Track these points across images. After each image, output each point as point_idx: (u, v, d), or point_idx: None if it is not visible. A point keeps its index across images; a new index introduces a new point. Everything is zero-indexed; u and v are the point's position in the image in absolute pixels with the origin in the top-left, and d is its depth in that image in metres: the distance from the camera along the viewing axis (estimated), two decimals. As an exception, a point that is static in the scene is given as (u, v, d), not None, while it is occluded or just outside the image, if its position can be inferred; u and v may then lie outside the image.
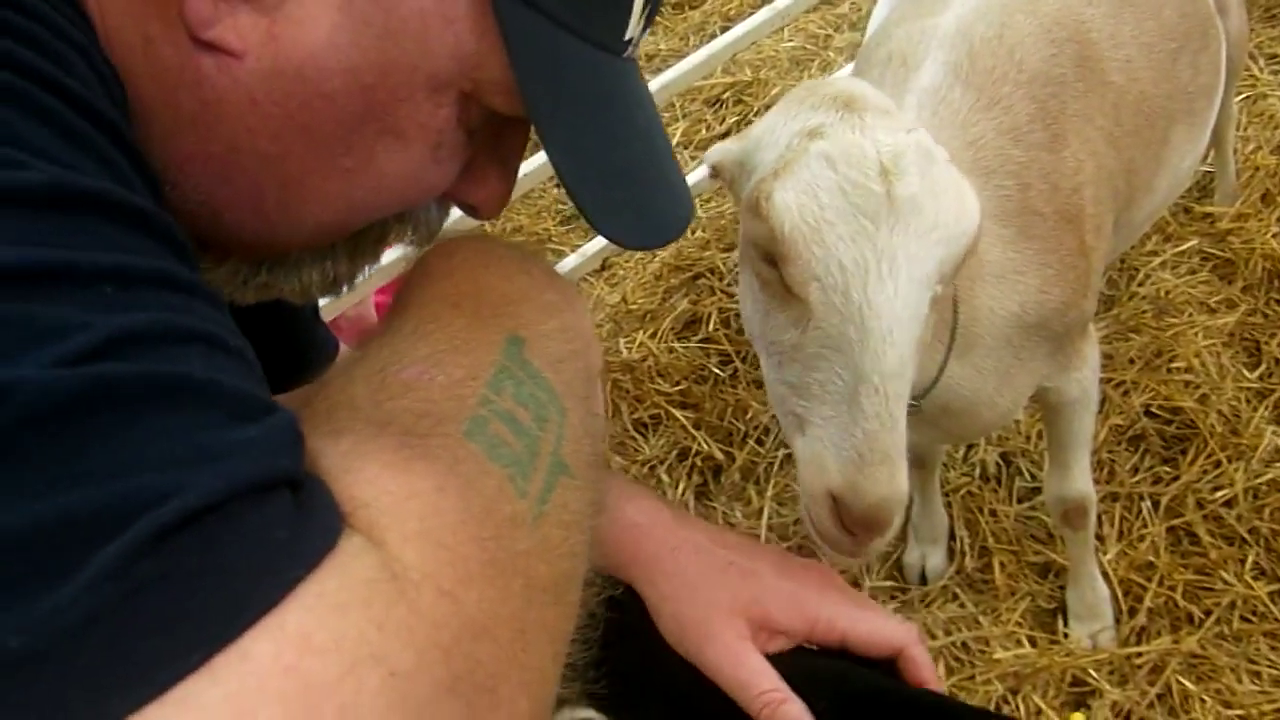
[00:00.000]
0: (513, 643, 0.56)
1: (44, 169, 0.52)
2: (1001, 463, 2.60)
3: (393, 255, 2.01)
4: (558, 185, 3.40)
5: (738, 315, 2.95)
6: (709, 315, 2.91)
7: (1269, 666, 2.18)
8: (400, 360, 0.66)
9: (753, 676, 0.96)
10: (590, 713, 0.94)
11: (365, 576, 0.50)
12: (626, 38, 0.78)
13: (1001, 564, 2.41)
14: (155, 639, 0.44)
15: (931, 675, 1.01)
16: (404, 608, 0.50)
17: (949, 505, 2.51)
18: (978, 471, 2.59)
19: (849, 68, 3.00)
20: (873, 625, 1.01)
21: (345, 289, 0.88)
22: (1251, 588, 2.26)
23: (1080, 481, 2.08)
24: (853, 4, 3.73)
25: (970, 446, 2.64)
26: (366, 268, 0.86)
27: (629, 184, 0.79)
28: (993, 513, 2.51)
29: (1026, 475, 2.56)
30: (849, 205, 1.14)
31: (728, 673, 0.97)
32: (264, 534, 0.48)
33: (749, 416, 2.71)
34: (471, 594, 0.54)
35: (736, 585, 1.00)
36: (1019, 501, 2.53)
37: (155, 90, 0.67)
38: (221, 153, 0.71)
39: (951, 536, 2.48)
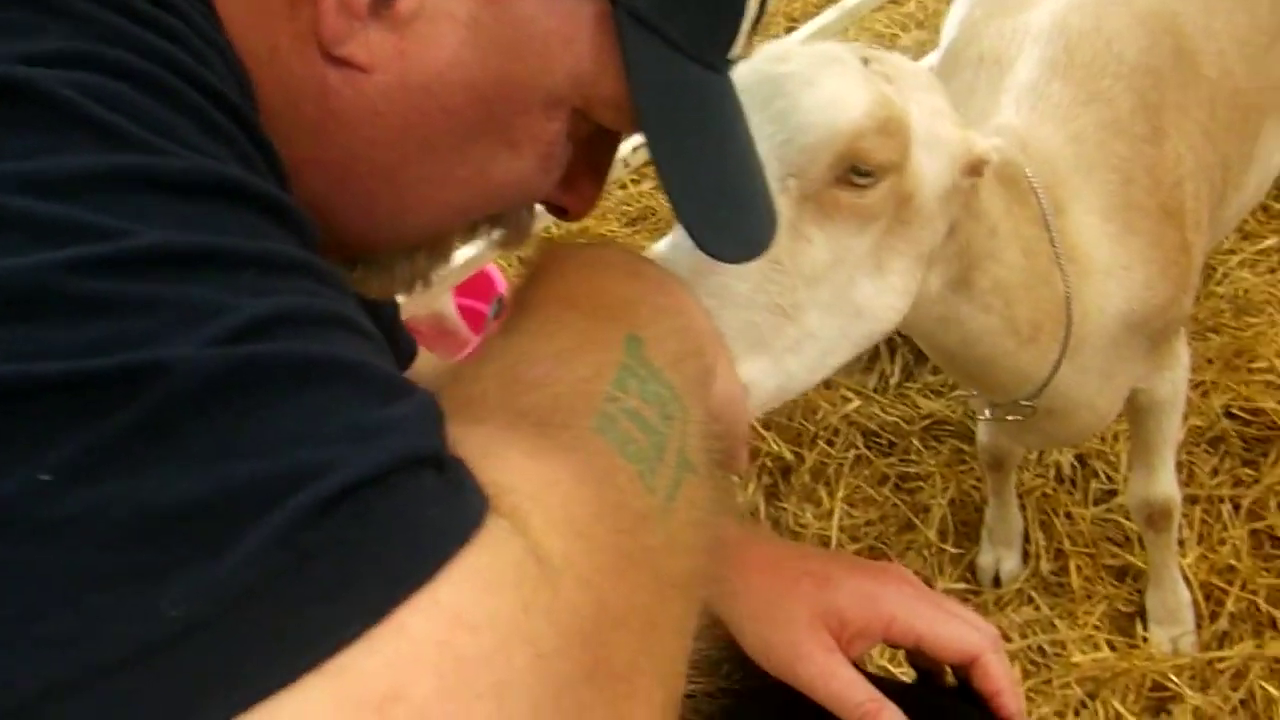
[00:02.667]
0: (646, 634, 0.57)
1: (187, 156, 0.53)
2: (1077, 464, 2.56)
3: (468, 253, 2.03)
4: (621, 187, 3.41)
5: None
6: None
7: (1356, 671, 2.14)
8: (527, 358, 0.67)
9: (846, 689, 0.97)
10: None
11: (512, 559, 0.51)
12: (731, 56, 0.82)
13: (1078, 567, 2.38)
14: (317, 608, 0.45)
15: (1005, 685, 1.01)
16: (549, 592, 0.51)
17: (1023, 508, 2.48)
18: (1052, 473, 2.56)
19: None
20: (949, 629, 1.01)
21: (423, 286, 0.90)
22: (1338, 593, 2.22)
23: (1166, 483, 2.06)
24: (919, 3, 3.71)
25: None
26: (440, 267, 0.89)
27: (727, 200, 0.83)
28: (1068, 515, 2.48)
29: (1103, 477, 2.53)
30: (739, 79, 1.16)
31: (820, 689, 0.98)
32: (418, 509, 0.49)
33: (819, 417, 2.69)
34: (608, 584, 0.55)
35: (812, 595, 1.01)
36: (1095, 504, 2.49)
37: (278, 97, 0.69)
38: (340, 159, 0.74)
39: (1026, 539, 2.46)
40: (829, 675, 0.97)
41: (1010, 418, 1.62)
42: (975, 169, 1.24)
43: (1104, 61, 1.64)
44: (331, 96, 0.71)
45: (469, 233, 0.87)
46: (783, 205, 1.13)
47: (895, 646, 1.02)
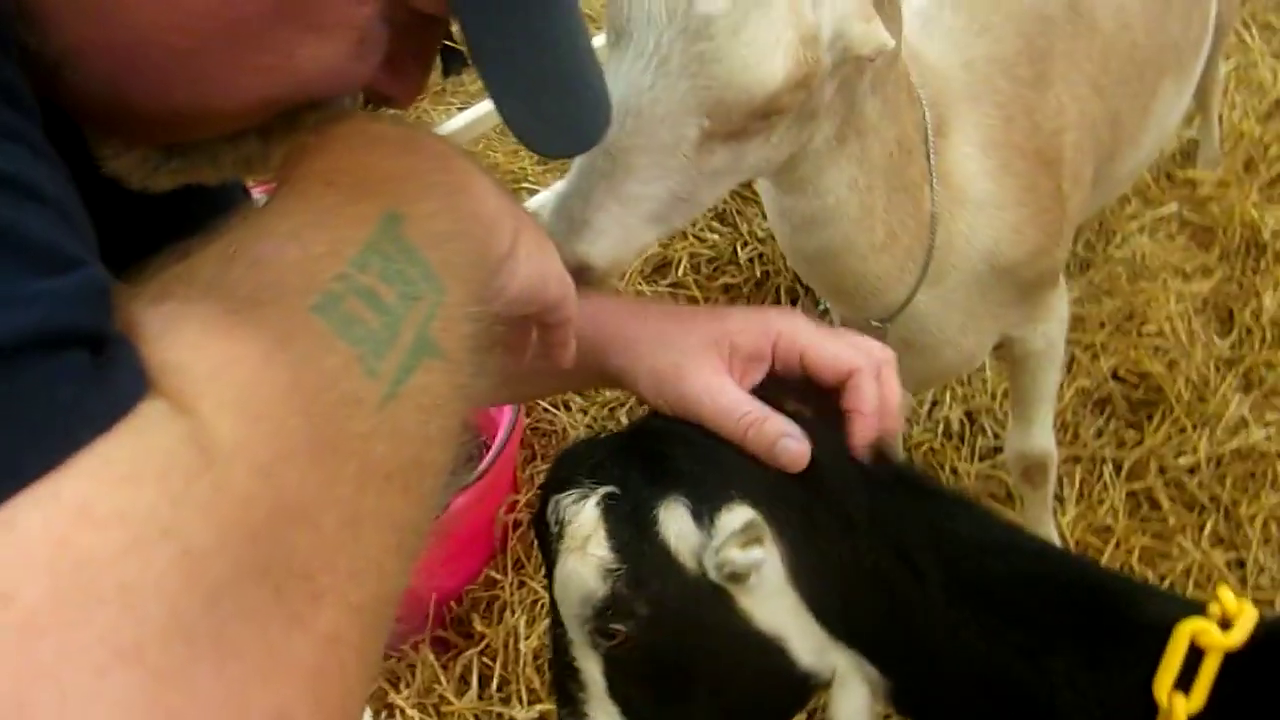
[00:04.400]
0: (340, 530, 0.51)
1: None
2: (965, 420, 2.57)
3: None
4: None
5: (708, 260, 2.91)
6: (679, 260, 2.86)
7: (1222, 634, 2.16)
8: (258, 235, 0.61)
9: (732, 403, 0.96)
10: (748, 512, 0.92)
11: (163, 445, 0.45)
12: None
13: (959, 521, 2.38)
14: None
15: (866, 408, 0.98)
16: (207, 483, 0.45)
17: (910, 460, 2.48)
18: (941, 428, 2.56)
19: None
20: (832, 346, 1.00)
21: (260, 170, 0.84)
22: (1208, 555, 2.24)
23: (1042, 438, 2.05)
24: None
25: (934, 403, 2.61)
26: (279, 149, 0.83)
27: (553, 90, 0.79)
28: (954, 470, 2.49)
29: (989, 434, 2.54)
30: (662, 4, 1.14)
31: (707, 404, 0.97)
32: (46, 392, 0.43)
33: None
34: (291, 474, 0.49)
35: (703, 326, 1.01)
36: (980, 460, 2.50)
37: None
38: (129, 43, 0.68)
39: (911, 492, 2.46)
40: (715, 391, 0.97)
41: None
42: (870, 59, 1.23)
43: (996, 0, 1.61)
44: None
45: (294, 116, 0.80)
46: (692, 133, 1.15)
47: (783, 365, 1.01)
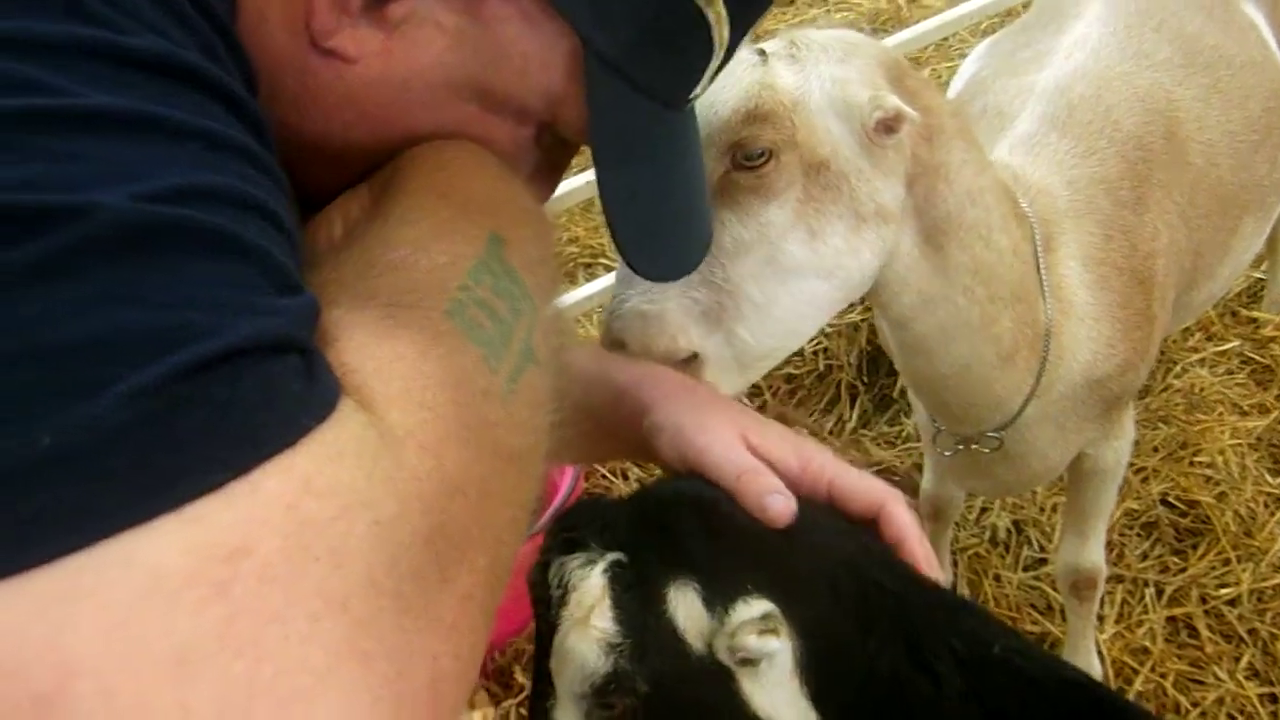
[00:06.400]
0: (480, 503, 0.59)
1: (154, 40, 0.57)
2: (1013, 529, 2.61)
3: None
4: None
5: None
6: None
7: (1252, 767, 2.18)
8: (388, 243, 0.70)
9: (739, 457, 0.96)
10: (766, 604, 0.89)
11: (357, 432, 0.53)
12: (691, 96, 0.88)
13: (999, 628, 2.41)
14: (180, 456, 0.47)
15: (910, 534, 0.99)
16: (390, 461, 0.54)
17: (955, 564, 2.52)
18: (988, 535, 2.60)
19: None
20: (859, 479, 1.01)
21: None
22: (1243, 687, 2.26)
23: (1095, 553, 2.10)
24: (933, 70, 3.78)
25: (984, 509, 2.65)
26: None
27: (662, 226, 0.91)
28: (997, 577, 2.52)
29: (1035, 545, 2.58)
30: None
31: (714, 454, 0.97)
32: (284, 384, 0.52)
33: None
34: (449, 452, 0.58)
35: (739, 413, 1.04)
36: (1024, 570, 2.54)
37: (261, 62, 0.72)
38: (316, 133, 0.78)
39: (953, 594, 2.49)
40: (726, 446, 0.97)
41: (975, 447, 1.65)
42: (888, 127, 1.27)
43: (1100, 125, 1.70)
44: (310, 76, 0.75)
45: None
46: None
47: (809, 492, 1.00)
